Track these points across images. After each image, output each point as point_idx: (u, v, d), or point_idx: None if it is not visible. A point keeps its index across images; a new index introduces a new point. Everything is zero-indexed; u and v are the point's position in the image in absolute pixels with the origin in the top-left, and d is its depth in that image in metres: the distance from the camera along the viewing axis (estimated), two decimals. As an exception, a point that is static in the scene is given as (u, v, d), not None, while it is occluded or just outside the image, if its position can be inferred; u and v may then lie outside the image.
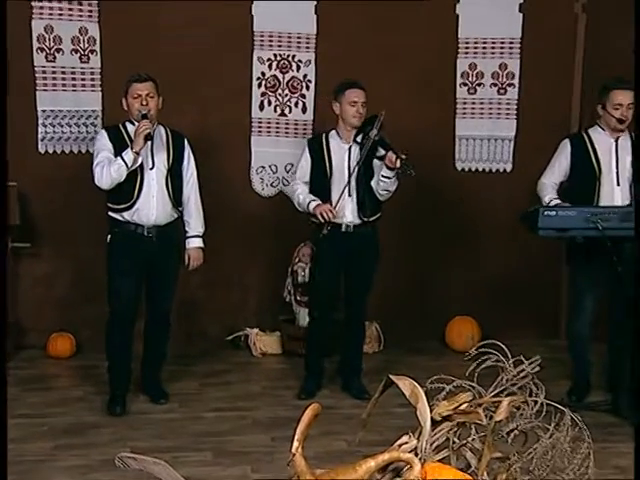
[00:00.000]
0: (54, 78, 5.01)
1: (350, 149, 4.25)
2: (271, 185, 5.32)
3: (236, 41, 5.13)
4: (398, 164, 3.98)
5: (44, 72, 4.99)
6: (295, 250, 5.19)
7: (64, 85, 5.02)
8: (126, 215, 4.04)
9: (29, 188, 4.97)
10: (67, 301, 5.13)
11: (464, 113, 5.41)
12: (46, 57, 4.97)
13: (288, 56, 5.21)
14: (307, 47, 5.20)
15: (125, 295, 4.04)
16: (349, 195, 4.20)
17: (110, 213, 4.09)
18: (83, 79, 5.02)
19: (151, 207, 4.04)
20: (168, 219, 4.11)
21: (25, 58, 4.91)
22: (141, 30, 5.01)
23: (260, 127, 5.27)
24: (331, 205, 4.19)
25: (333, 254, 4.27)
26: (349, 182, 4.19)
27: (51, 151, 5.07)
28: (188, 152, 4.19)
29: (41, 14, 4.93)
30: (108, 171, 3.93)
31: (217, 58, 5.10)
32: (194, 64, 5.08)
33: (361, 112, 4.19)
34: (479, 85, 5.39)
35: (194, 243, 4.23)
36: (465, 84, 5.40)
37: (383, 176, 4.11)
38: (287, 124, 5.28)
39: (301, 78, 5.24)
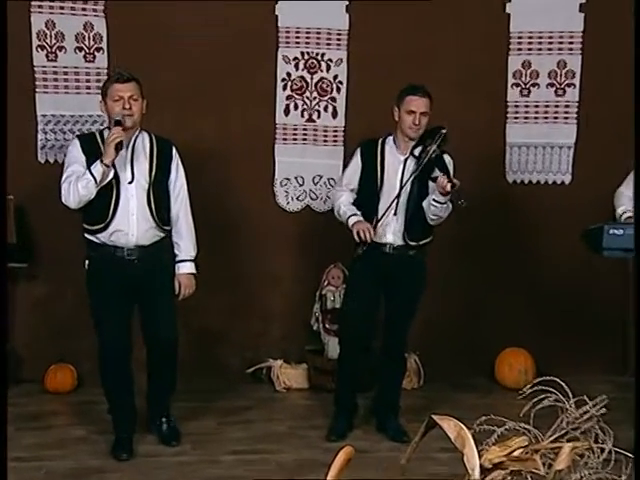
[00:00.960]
0: (56, 79, 5.04)
1: (406, 162, 4.23)
2: (297, 199, 5.34)
3: (258, 38, 5.16)
4: (448, 188, 3.98)
5: (44, 72, 5.03)
6: (324, 272, 5.19)
7: (67, 87, 5.05)
8: (102, 237, 3.98)
9: (27, 202, 5.00)
10: (68, 328, 5.12)
11: (516, 117, 5.39)
12: (47, 56, 5.01)
13: (317, 54, 5.23)
14: (338, 44, 5.21)
15: (112, 327, 4.00)
16: (394, 213, 4.20)
17: (86, 235, 4.02)
18: (88, 80, 5.05)
19: (130, 227, 3.97)
20: (152, 239, 4.04)
21: (23, 57, 4.94)
22: (153, 26, 5.04)
23: (285, 134, 5.29)
24: (376, 220, 4.17)
25: (369, 276, 4.26)
26: (398, 198, 4.18)
27: (52, 160, 5.09)
28: (176, 162, 4.10)
29: (41, 8, 4.97)
30: (75, 187, 3.85)
31: (237, 58, 5.14)
32: (212, 65, 5.12)
33: (418, 123, 4.15)
34: (534, 85, 5.37)
35: (185, 268, 4.15)
36: (517, 84, 5.39)
37: (434, 200, 4.10)
38: (315, 131, 5.30)
39: (331, 79, 5.25)
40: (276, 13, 5.13)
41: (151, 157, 4.03)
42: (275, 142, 5.28)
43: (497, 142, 5.37)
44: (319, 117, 5.28)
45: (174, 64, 5.01)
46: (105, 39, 5.04)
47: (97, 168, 3.82)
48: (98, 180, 3.82)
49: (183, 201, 4.13)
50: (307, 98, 5.26)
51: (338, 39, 5.20)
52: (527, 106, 5.38)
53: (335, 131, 5.28)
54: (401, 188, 4.16)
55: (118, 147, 3.81)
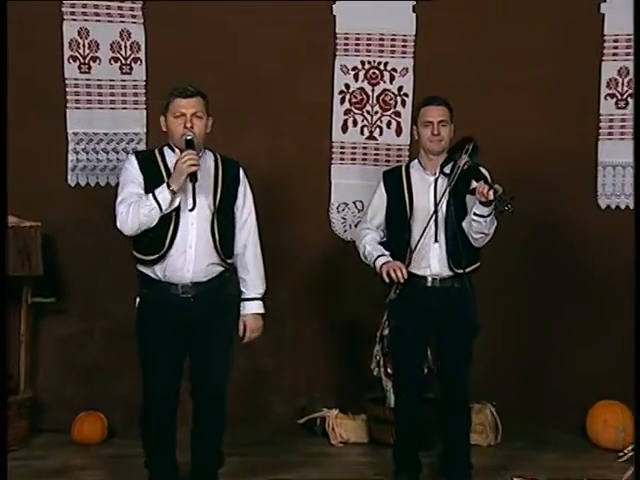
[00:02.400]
0: (88, 93, 5.06)
1: (436, 182, 4.17)
2: (355, 226, 5.16)
3: (314, 46, 5.16)
4: (491, 196, 3.88)
5: (76, 86, 5.05)
6: (385, 309, 4.85)
7: (100, 102, 5.06)
8: (157, 270, 3.88)
9: (56, 230, 4.99)
10: (98, 372, 5.10)
11: (610, 133, 5.27)
12: (79, 67, 5.03)
13: (379, 64, 5.20)
14: (403, 52, 5.19)
15: (161, 373, 3.90)
16: (435, 240, 4.13)
17: (138, 266, 3.94)
18: (124, 94, 5.07)
19: (187, 261, 3.85)
20: (211, 274, 3.93)
21: (54, 69, 4.98)
22: (196, 34, 5.07)
23: (343, 153, 5.26)
24: (410, 251, 4.11)
25: (414, 316, 4.18)
26: (435, 222, 4.13)
27: (83, 183, 5.11)
28: (244, 187, 4.01)
29: (74, 15, 5.00)
30: (136, 213, 3.76)
31: (290, 68, 5.15)
32: (262, 76, 5.13)
33: (437, 133, 4.11)
34: (631, 96, 5.21)
35: (251, 308, 4.03)
36: (612, 95, 5.27)
37: (476, 214, 4.01)
38: (377, 149, 5.25)
39: (395, 91, 5.21)
40: (334, 13, 5.11)
41: (216, 181, 3.91)
42: (331, 162, 5.25)
43: (588, 162, 5.28)
44: (381, 134, 5.23)
45: (220, 77, 5.00)
46: (143, 48, 5.08)
47: (164, 195, 3.72)
48: (164, 208, 3.73)
49: (251, 230, 4.01)
50: (368, 113, 5.22)
51: (403, 45, 5.17)
52: (624, 120, 5.25)
53: (399, 150, 5.21)
54: (436, 210, 4.12)
55: (191, 177, 3.71)
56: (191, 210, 3.81)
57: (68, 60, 4.99)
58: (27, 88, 4.90)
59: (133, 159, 3.91)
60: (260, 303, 4.03)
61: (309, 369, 5.28)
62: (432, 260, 4.14)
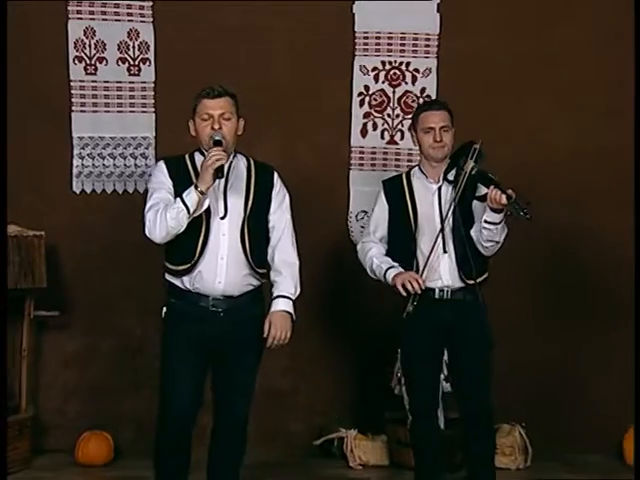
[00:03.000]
0: (95, 95, 5.02)
1: (440, 190, 4.15)
2: None
3: (331, 46, 5.14)
4: (504, 201, 3.86)
5: (82, 88, 5.01)
6: (403, 324, 4.73)
7: (107, 105, 5.03)
8: (186, 281, 3.81)
9: (60, 239, 4.97)
10: (104, 389, 5.07)
11: None
12: (85, 69, 5.01)
13: (401, 64, 5.14)
14: (426, 52, 5.13)
15: (178, 391, 3.81)
16: (444, 250, 4.10)
17: (167, 276, 3.88)
18: (132, 97, 5.05)
19: (218, 271, 3.78)
20: (244, 288, 3.85)
21: (58, 70, 4.97)
22: (208, 34, 5.08)
23: (362, 159, 5.20)
24: (421, 265, 4.08)
25: (426, 331, 4.15)
26: (442, 233, 4.09)
27: (89, 190, 5.07)
28: (280, 193, 3.94)
29: (79, 13, 4.98)
30: (163, 218, 3.69)
31: (306, 69, 5.10)
32: (276, 77, 5.09)
33: (440, 140, 4.09)
34: None
35: (279, 305, 3.88)
36: None
37: (487, 222, 3.98)
38: (398, 155, 5.18)
39: (418, 93, 5.15)
40: (353, 12, 5.07)
41: (248, 186, 3.84)
42: (350, 168, 5.20)
43: (620, 164, 5.06)
44: (402, 138, 5.15)
45: (232, 78, 4.70)
46: (152, 48, 5.07)
47: (191, 195, 3.65)
48: (191, 210, 3.65)
49: (287, 239, 3.95)
50: (388, 116, 5.16)
51: (427, 45, 5.13)
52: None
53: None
54: (442, 220, 4.08)
55: (218, 172, 3.63)
56: (222, 218, 3.77)
57: (73, 61, 4.98)
58: (30, 90, 4.90)
59: (162, 165, 3.89)
60: (289, 302, 3.89)
61: (326, 387, 5.25)
62: (442, 271, 4.10)
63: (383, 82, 5.13)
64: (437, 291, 4.11)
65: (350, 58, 5.10)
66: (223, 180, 3.73)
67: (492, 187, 3.90)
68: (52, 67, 4.90)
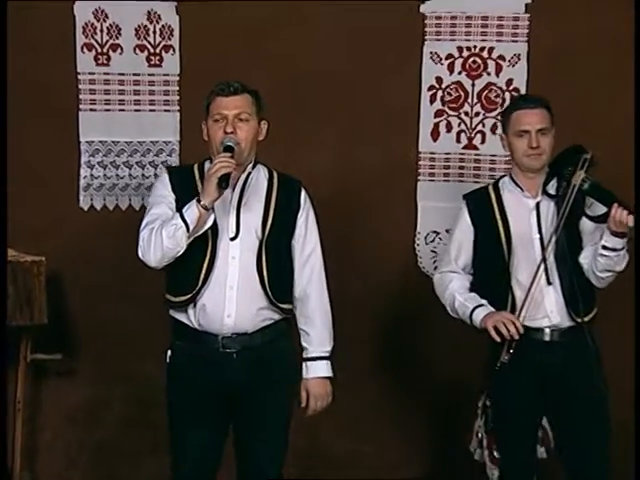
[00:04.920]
0: (107, 91, 4.91)
1: (539, 206, 3.98)
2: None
3: (395, 31, 4.93)
4: (631, 222, 3.73)
5: (92, 82, 4.89)
6: (492, 374, 4.48)
7: (122, 102, 4.91)
8: (190, 315, 3.74)
9: (64, 266, 4.85)
10: (115, 451, 4.97)
11: None
12: (95, 58, 4.88)
13: (482, 50, 4.93)
14: (514, 34, 4.91)
15: (191, 456, 3.79)
16: (548, 282, 3.91)
17: (170, 311, 3.83)
18: (152, 92, 4.94)
19: (227, 303, 3.69)
20: (261, 323, 3.78)
21: (63, 61, 4.83)
22: (244, 18, 4.88)
23: (433, 167, 5.03)
24: (513, 307, 3.92)
25: (528, 382, 3.97)
26: (544, 260, 3.90)
27: (99, 206, 4.96)
28: (306, 214, 3.88)
29: None
30: (158, 236, 3.61)
31: (363, 59, 4.94)
32: (327, 70, 4.92)
33: (536, 146, 3.91)
34: None
35: (317, 370, 3.86)
36: None
37: (606, 247, 3.83)
38: (478, 162, 4.99)
39: (503, 85, 4.94)
40: None
41: (268, 203, 3.78)
42: (418, 179, 5.01)
43: None
44: (483, 142, 4.97)
45: (273, 71, 4.84)
46: (177, 34, 4.90)
47: (191, 210, 3.59)
48: (191, 227, 3.58)
49: (315, 270, 3.88)
50: (466, 114, 4.99)
51: (514, 26, 4.90)
52: None
53: (508, 162, 4.80)
54: (545, 244, 3.94)
55: (222, 182, 3.55)
56: (233, 239, 3.71)
57: (81, 49, 4.84)
58: (28, 85, 4.75)
59: (165, 175, 3.86)
60: (328, 364, 3.88)
61: (391, 448, 5.11)
62: (549, 308, 3.91)
63: (460, 73, 4.96)
64: (543, 332, 3.93)
65: (419, 44, 4.91)
66: (237, 193, 3.72)
67: (616, 206, 3.75)
68: (55, 57, 4.78)
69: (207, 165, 3.78)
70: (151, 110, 4.90)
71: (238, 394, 3.75)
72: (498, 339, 3.86)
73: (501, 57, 4.93)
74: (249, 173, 3.77)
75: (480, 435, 4.48)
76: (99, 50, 4.85)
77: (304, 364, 3.86)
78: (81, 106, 4.86)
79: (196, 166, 3.85)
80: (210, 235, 3.66)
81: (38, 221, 4.81)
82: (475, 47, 4.93)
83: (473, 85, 4.97)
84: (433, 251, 5.03)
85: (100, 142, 4.91)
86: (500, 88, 4.95)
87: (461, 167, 5.02)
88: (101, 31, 4.84)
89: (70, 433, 4.98)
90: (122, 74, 4.88)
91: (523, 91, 4.93)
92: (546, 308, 3.93)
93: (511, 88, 4.95)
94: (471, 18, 4.92)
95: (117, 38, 4.86)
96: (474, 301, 3.98)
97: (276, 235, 3.77)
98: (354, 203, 4.94)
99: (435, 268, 4.96)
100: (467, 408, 4.57)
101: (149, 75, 4.89)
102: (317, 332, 3.87)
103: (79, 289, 4.89)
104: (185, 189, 3.74)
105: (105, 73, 4.87)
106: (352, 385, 4.90)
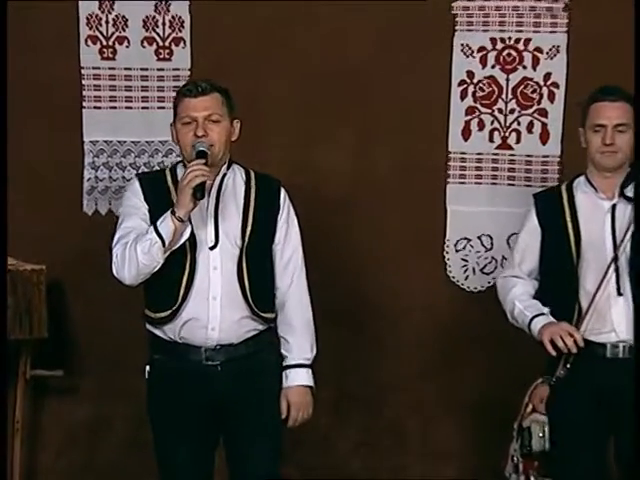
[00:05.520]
0: (113, 87, 4.89)
1: (614, 209, 3.90)
2: (481, 271, 4.99)
3: (422, 21, 4.86)
4: None
5: (97, 77, 4.87)
6: (527, 391, 4.45)
7: (129, 99, 4.90)
8: (169, 330, 3.72)
9: (66, 275, 4.84)
10: (118, 473, 4.95)
11: None
12: (100, 52, 4.87)
13: (517, 41, 4.84)
14: (553, 24, 4.80)
15: (181, 472, 3.78)
16: (618, 292, 3.82)
17: (148, 327, 3.82)
18: (161, 88, 4.91)
19: (211, 316, 3.68)
20: (246, 334, 3.79)
21: (65, 54, 4.81)
22: (257, 8, 4.82)
23: (464, 169, 4.96)
24: (579, 317, 3.82)
25: (591, 403, 3.86)
26: (617, 267, 3.81)
27: (104, 211, 4.94)
28: (285, 214, 3.87)
29: None
30: (133, 253, 3.61)
31: (387, 51, 4.90)
32: (347, 63, 4.89)
33: (611, 142, 3.82)
34: None
35: (296, 379, 3.86)
36: None
37: None
38: (512, 162, 4.91)
39: (540, 80, 4.85)
40: None
41: (246, 206, 3.78)
42: (447, 182, 4.95)
43: None
44: (519, 141, 4.88)
45: (289, 64, 4.82)
46: (188, 25, 4.87)
47: (166, 223, 3.57)
48: (167, 241, 3.57)
49: (295, 275, 3.88)
50: (500, 111, 4.90)
51: (553, 16, 4.79)
52: None
53: (546, 164, 4.89)
54: (618, 251, 3.85)
55: (197, 193, 3.54)
56: (212, 248, 3.70)
57: (85, 42, 4.81)
58: (28, 80, 4.75)
59: (135, 183, 3.84)
60: (309, 372, 3.89)
61: (417, 467, 5.02)
62: (616, 321, 3.81)
63: (493, 66, 4.87)
64: (608, 348, 3.82)
65: (449, 36, 4.82)
66: (213, 199, 3.72)
67: None
68: (57, 52, 4.76)
69: (179, 169, 3.77)
70: (160, 107, 4.85)
71: (225, 406, 3.76)
72: (554, 353, 3.79)
73: (538, 49, 4.85)
74: (224, 175, 3.76)
75: (515, 459, 4.37)
76: (104, 43, 4.84)
77: (283, 373, 3.85)
78: (85, 103, 4.85)
79: (168, 171, 3.84)
80: (188, 246, 3.65)
81: (39, 227, 4.83)
82: (510, 39, 4.86)
83: (507, 80, 4.91)
84: (464, 259, 4.96)
85: (105, 142, 4.90)
86: (537, 83, 4.86)
87: (494, 168, 4.94)
88: (106, 22, 4.84)
89: (71, 454, 4.98)
90: (129, 69, 4.86)
91: (562, 86, 4.84)
92: (613, 321, 3.85)
93: (549, 83, 4.87)
94: (503, 8, 4.83)
95: (123, 30, 4.84)
96: (534, 309, 3.91)
97: (256, 241, 3.78)
98: (375, 207, 4.90)
99: (467, 278, 4.92)
100: (504, 428, 4.43)
101: (158, 70, 4.87)
102: (297, 339, 3.86)
103: (82, 300, 4.89)
104: (158, 197, 3.73)
105: (110, 68, 4.85)
106: (373, 402, 4.88)
